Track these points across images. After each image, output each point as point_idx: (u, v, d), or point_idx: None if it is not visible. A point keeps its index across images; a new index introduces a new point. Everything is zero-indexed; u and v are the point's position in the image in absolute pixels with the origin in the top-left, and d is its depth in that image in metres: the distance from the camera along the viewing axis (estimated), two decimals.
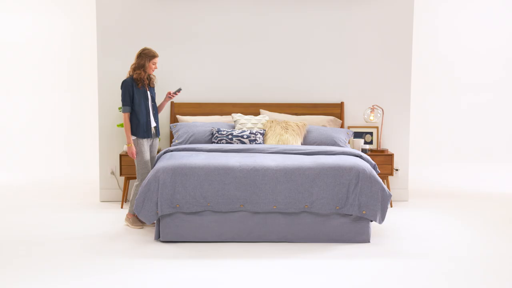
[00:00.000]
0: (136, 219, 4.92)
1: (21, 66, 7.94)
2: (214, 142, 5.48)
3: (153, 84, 5.11)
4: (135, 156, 4.95)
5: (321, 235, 4.45)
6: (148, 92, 5.02)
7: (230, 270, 3.77)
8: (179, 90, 5.20)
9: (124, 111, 4.93)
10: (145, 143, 4.99)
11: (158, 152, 5.86)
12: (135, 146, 4.95)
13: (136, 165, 5.00)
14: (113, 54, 6.09)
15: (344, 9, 6.16)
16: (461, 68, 8.09)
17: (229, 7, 6.14)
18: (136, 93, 4.92)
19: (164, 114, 6.16)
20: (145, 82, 4.97)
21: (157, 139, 5.17)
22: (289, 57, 6.20)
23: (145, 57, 4.92)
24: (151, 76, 5.08)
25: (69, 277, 3.62)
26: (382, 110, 6.09)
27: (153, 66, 4.98)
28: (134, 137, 4.95)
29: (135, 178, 5.93)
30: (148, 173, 4.96)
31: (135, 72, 4.93)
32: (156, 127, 5.11)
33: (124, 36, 6.08)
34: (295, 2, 6.14)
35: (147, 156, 5.00)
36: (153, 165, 5.04)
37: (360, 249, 4.28)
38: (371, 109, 6.04)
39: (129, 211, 4.96)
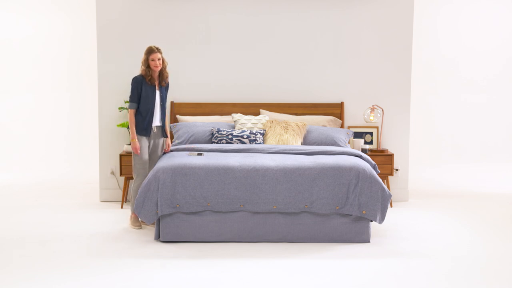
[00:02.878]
0: (136, 219, 4.92)
1: (21, 65, 7.94)
2: (214, 142, 5.48)
3: (164, 83, 5.02)
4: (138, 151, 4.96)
5: (321, 235, 4.45)
6: (158, 92, 4.98)
7: (230, 270, 3.77)
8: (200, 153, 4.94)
9: (129, 107, 4.95)
10: (143, 140, 4.97)
11: None
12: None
13: (132, 161, 5.02)
14: (113, 54, 6.09)
15: (344, 10, 6.16)
16: (462, 68, 8.09)
17: (229, 7, 6.13)
18: (144, 91, 4.92)
19: None
20: (153, 80, 4.94)
21: (162, 139, 5.09)
22: (289, 57, 6.20)
23: (145, 53, 4.91)
24: (164, 74, 5.00)
25: (69, 277, 3.62)
26: (382, 110, 6.09)
27: (152, 63, 4.88)
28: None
29: None
30: (144, 171, 4.96)
31: (141, 68, 4.95)
32: (161, 128, 5.04)
33: (124, 36, 6.08)
34: (295, 3, 6.14)
35: (144, 153, 4.96)
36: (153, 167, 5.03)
37: (360, 249, 4.28)
38: (371, 109, 6.04)
39: (131, 210, 4.98)
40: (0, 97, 7.96)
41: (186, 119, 5.95)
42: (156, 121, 5.01)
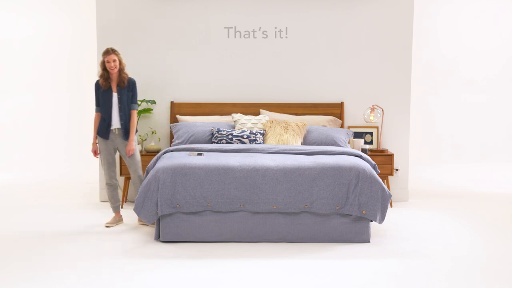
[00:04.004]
0: (115, 219, 4.99)
1: (21, 65, 7.94)
2: (214, 142, 5.48)
3: (123, 84, 4.91)
4: (97, 155, 5.02)
5: (321, 235, 4.45)
6: (115, 94, 4.91)
7: (230, 270, 3.77)
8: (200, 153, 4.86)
9: (95, 111, 5.00)
10: (102, 143, 4.97)
11: (158, 152, 5.86)
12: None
13: None
14: None
15: (344, 10, 6.16)
16: (462, 68, 8.09)
17: (229, 7, 6.14)
18: (101, 93, 4.93)
19: (164, 114, 6.16)
20: (108, 82, 4.89)
21: (125, 142, 4.97)
22: (289, 57, 6.20)
23: (102, 54, 4.89)
24: (122, 75, 4.90)
25: (69, 277, 3.62)
26: (382, 110, 6.09)
27: (108, 64, 4.83)
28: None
29: None
30: (106, 171, 4.98)
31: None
32: (122, 130, 4.94)
33: (124, 36, 6.08)
34: (295, 3, 6.14)
35: (104, 155, 4.98)
36: (132, 168, 4.97)
37: (360, 249, 4.27)
38: (371, 109, 6.04)
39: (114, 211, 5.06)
40: (0, 97, 7.96)
41: (186, 119, 5.95)
42: (115, 123, 4.94)
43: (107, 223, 4.93)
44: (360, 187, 4.38)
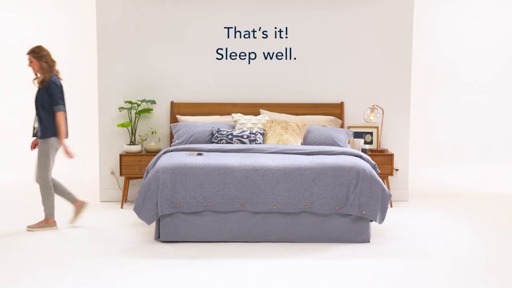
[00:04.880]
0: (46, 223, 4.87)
1: (21, 65, 7.92)
2: (214, 142, 5.48)
3: (41, 85, 4.78)
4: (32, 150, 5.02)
5: (321, 235, 4.45)
6: (36, 93, 4.85)
7: (230, 270, 3.77)
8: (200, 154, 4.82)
9: None
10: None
11: (158, 152, 5.86)
12: None
13: None
14: (113, 53, 6.09)
15: (344, 10, 6.16)
16: (462, 68, 8.09)
17: (228, 7, 6.14)
18: None
19: (164, 114, 6.16)
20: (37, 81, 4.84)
21: (39, 141, 4.87)
22: (289, 57, 6.20)
23: None
24: (43, 76, 4.79)
25: (69, 277, 3.62)
26: (382, 110, 6.09)
27: (28, 63, 4.80)
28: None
29: (135, 178, 5.93)
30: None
31: None
32: (37, 129, 4.87)
33: (124, 36, 6.08)
34: (295, 3, 6.14)
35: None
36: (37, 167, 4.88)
37: (360, 249, 4.27)
38: (371, 109, 6.04)
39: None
40: (0, 97, 7.96)
41: (186, 119, 5.95)
42: (36, 122, 4.88)
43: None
44: (360, 187, 4.38)
